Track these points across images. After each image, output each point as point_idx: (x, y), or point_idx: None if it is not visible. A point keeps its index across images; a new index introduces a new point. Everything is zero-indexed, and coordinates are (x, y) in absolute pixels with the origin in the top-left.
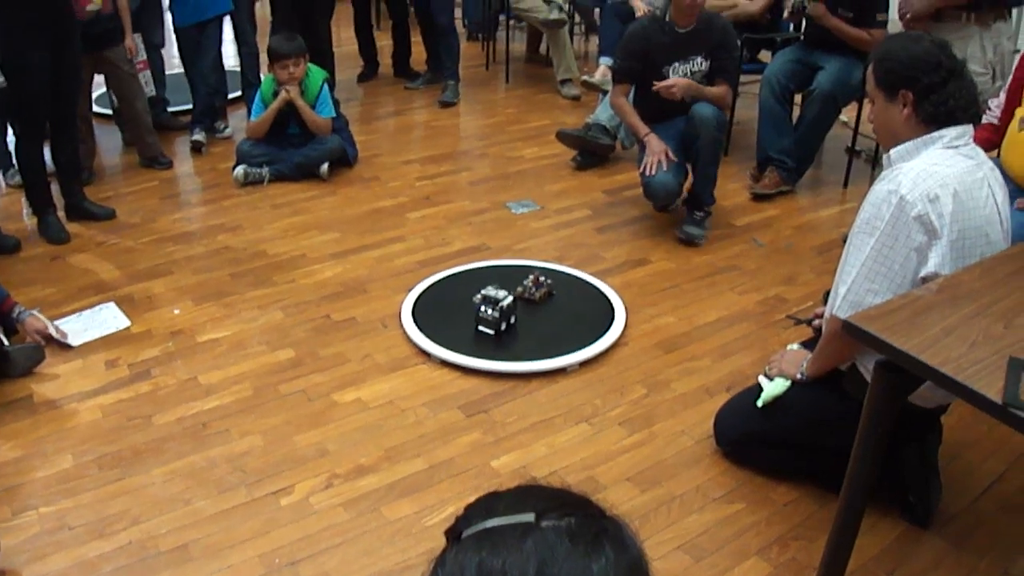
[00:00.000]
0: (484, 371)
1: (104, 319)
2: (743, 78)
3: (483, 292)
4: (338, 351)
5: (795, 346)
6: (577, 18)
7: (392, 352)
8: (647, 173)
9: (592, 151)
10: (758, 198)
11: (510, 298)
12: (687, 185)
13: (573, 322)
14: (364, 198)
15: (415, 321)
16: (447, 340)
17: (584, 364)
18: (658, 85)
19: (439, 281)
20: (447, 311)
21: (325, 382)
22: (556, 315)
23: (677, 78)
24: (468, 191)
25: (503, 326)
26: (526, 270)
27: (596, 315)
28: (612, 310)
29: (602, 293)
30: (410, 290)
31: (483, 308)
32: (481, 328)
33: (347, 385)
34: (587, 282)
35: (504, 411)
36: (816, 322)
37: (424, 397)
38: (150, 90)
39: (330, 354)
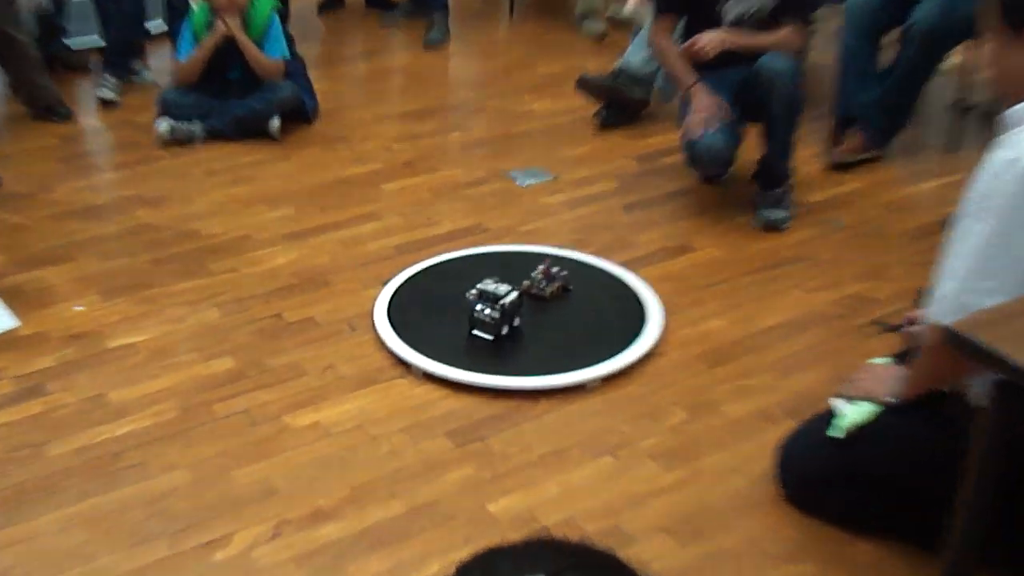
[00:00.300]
0: (480, 388)
1: None
2: (818, 12)
3: (479, 286)
4: (291, 361)
5: (882, 360)
6: None
7: (361, 363)
8: (691, 134)
9: (621, 105)
10: (837, 167)
11: (514, 294)
12: (749, 156)
13: (594, 326)
14: (326, 164)
15: (391, 323)
16: (432, 347)
17: (608, 380)
18: (683, 46)
19: (422, 272)
20: (433, 310)
21: (274, 401)
22: (572, 317)
23: (706, 33)
24: (460, 156)
25: (504, 330)
26: (534, 259)
27: (624, 317)
28: (644, 311)
29: (631, 289)
30: (385, 283)
31: (479, 307)
32: (476, 332)
33: (302, 405)
34: (612, 275)
35: (505, 439)
36: (910, 329)
37: (402, 421)
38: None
39: (281, 365)
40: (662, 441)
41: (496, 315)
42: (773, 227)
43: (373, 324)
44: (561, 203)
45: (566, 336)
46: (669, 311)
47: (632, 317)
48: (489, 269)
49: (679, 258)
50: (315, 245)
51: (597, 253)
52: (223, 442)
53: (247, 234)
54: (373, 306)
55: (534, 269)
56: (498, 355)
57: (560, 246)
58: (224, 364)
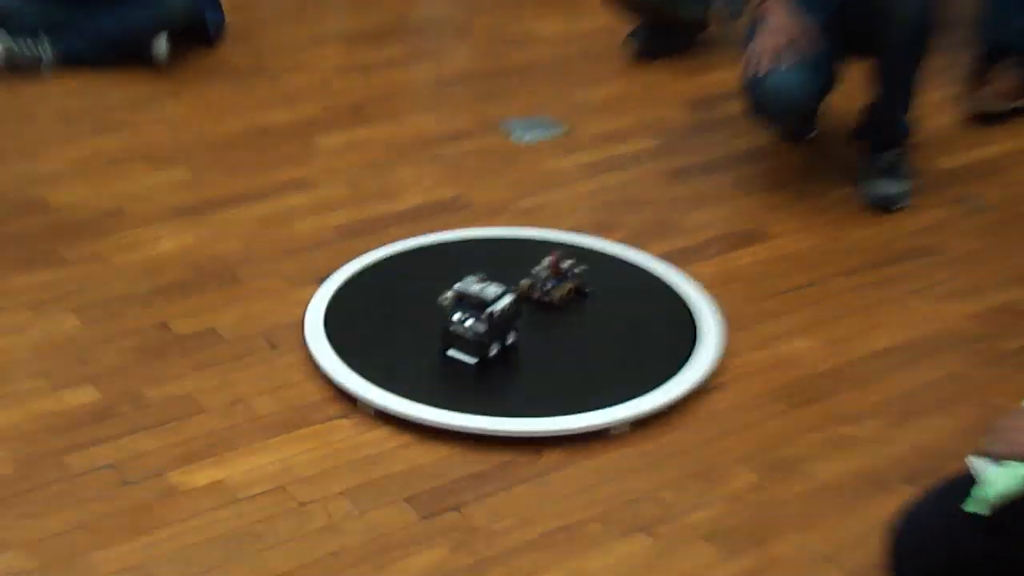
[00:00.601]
0: (457, 433)
1: None
2: None
3: (459, 287)
4: (182, 392)
5: None
6: None
7: (286, 395)
8: (755, 68)
9: (665, 26)
10: (980, 119)
11: (507, 299)
12: (850, 103)
13: (622, 345)
14: (236, 107)
15: (331, 339)
16: (390, 375)
17: (642, 424)
18: None
19: (376, 265)
20: (390, 321)
21: (155, 450)
22: (591, 332)
23: None
24: (432, 98)
25: (493, 350)
26: (537, 248)
27: (665, 334)
28: (695, 325)
29: (676, 293)
30: (322, 280)
31: (458, 317)
32: (454, 353)
33: (198, 457)
34: (649, 272)
35: (492, 509)
36: None
37: (344, 481)
38: None
39: (167, 398)
40: (720, 514)
41: (481, 329)
42: (885, 206)
43: (303, 340)
44: (577, 168)
45: (581, 360)
46: (731, 326)
47: (677, 333)
48: (472, 263)
49: (746, 249)
50: (219, 224)
51: (628, 241)
52: (79, 511)
53: (119, 206)
54: (304, 314)
55: (537, 263)
56: (484, 386)
57: (575, 230)
58: (83, 396)
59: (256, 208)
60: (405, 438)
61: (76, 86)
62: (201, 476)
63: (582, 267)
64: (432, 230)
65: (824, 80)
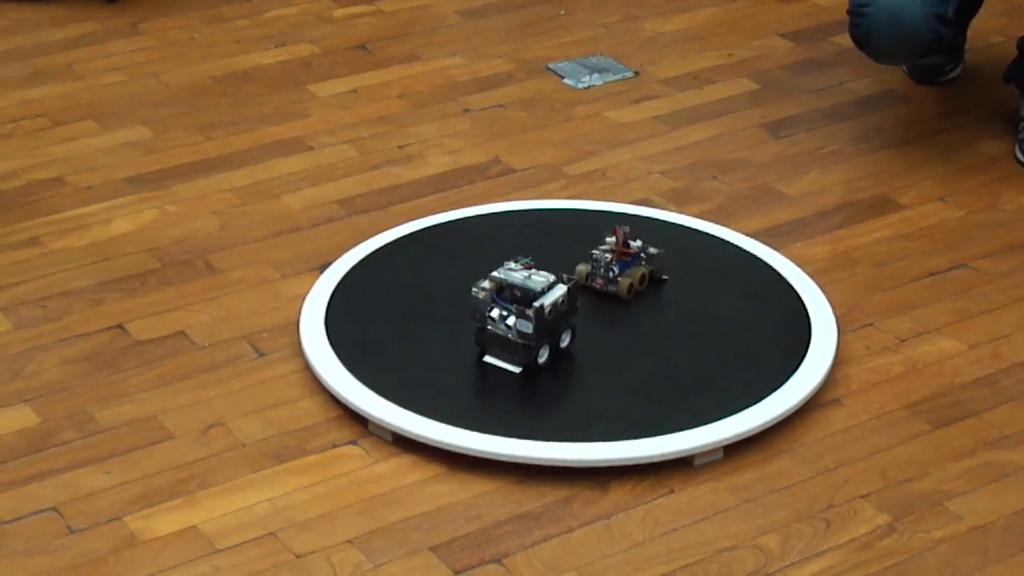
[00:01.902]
0: (498, 463)
1: None
2: None
3: (497, 274)
4: (143, 412)
5: None
6: None
7: (277, 416)
8: None
9: None
10: None
11: (560, 290)
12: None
13: (710, 349)
14: (209, 46)
15: (333, 343)
16: (410, 389)
17: (736, 450)
18: None
19: (391, 248)
20: (411, 320)
21: (110, 488)
22: (670, 332)
23: None
24: (459, 32)
25: (542, 355)
26: (598, 223)
27: (766, 333)
28: (804, 322)
29: (780, 280)
30: (322, 269)
31: (497, 313)
32: (491, 359)
33: (164, 496)
34: (743, 255)
35: (544, 561)
36: None
37: (354, 525)
38: None
39: (123, 420)
40: (840, 567)
41: (527, 328)
42: None
43: (299, 345)
44: (647, 122)
45: (657, 368)
46: (852, 322)
47: (780, 334)
48: (513, 245)
49: (870, 223)
50: (188, 198)
51: (715, 215)
52: (12, 567)
53: (58, 176)
54: (300, 312)
55: (600, 244)
56: (532, 403)
57: (645, 203)
58: (16, 420)
59: (235, 177)
60: (431, 470)
61: (2, 22)
62: (168, 521)
63: (657, 249)
64: (461, 204)
65: (957, 1)
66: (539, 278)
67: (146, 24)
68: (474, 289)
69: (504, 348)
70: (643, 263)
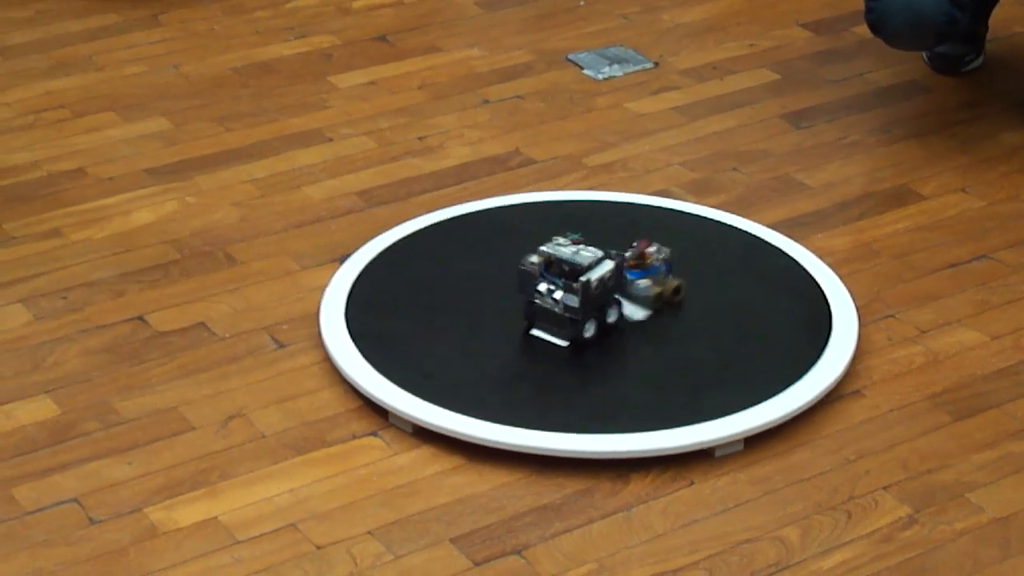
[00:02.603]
0: (519, 454)
1: None
2: None
3: (545, 248)
4: (164, 404)
5: None
6: None
7: (297, 407)
8: None
9: None
10: None
11: (608, 266)
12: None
13: (731, 341)
14: (229, 36)
15: (353, 335)
16: (430, 380)
17: (757, 441)
18: None
19: (411, 239)
20: (432, 312)
21: (131, 480)
22: (691, 323)
23: None
24: (479, 23)
25: (588, 328)
26: (617, 213)
27: (786, 325)
28: (825, 313)
29: (801, 271)
30: (342, 260)
31: (542, 287)
32: (538, 332)
33: (185, 487)
34: (763, 246)
35: (565, 551)
36: None
37: (374, 516)
38: None
39: (144, 411)
40: (860, 559)
41: (574, 302)
42: None
43: (320, 336)
44: (667, 112)
45: (678, 360)
46: (873, 313)
47: (801, 325)
48: (534, 234)
49: (891, 214)
50: (209, 190)
51: (735, 206)
52: (34, 558)
53: (80, 167)
54: (320, 303)
55: (631, 246)
56: (551, 394)
57: (666, 194)
58: (38, 411)
59: (256, 168)
60: (451, 461)
61: (25, 14)
62: (189, 512)
63: (667, 257)
64: (481, 195)
65: None
66: (587, 253)
67: (167, 15)
68: (523, 263)
69: (551, 322)
70: (663, 276)
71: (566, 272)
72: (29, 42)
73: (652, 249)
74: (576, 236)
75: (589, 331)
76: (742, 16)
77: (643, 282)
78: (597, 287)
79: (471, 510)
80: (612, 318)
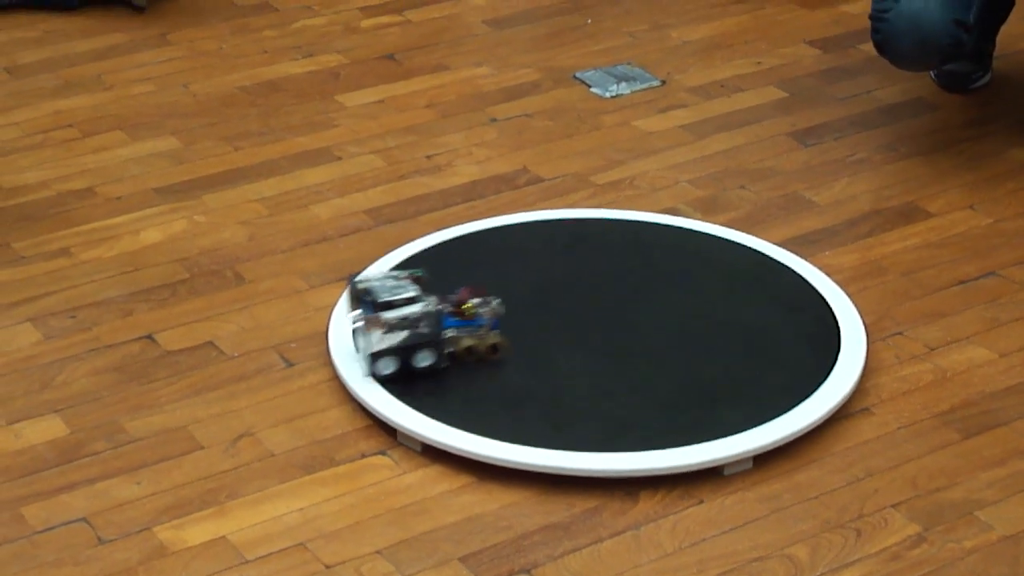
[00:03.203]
0: (528, 473)
1: None
2: None
3: (363, 278)
4: (172, 423)
5: None
6: None
7: (306, 426)
8: None
9: None
10: None
11: (413, 309)
12: None
13: (739, 359)
14: (237, 56)
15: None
16: (440, 399)
17: (765, 460)
18: None
19: (419, 258)
20: None
21: (139, 499)
22: (699, 341)
23: None
24: (486, 41)
25: (382, 366)
26: (625, 231)
27: (795, 342)
28: (833, 331)
29: (809, 289)
30: (351, 279)
31: (353, 316)
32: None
33: (194, 507)
34: (771, 264)
35: (573, 570)
36: None
37: (383, 536)
38: None
39: (153, 431)
40: (873, 574)
41: (364, 337)
42: None
43: (328, 355)
44: (675, 130)
45: (686, 378)
46: (881, 331)
47: (809, 343)
48: (541, 253)
49: (899, 231)
50: (217, 208)
51: (742, 224)
52: (38, 574)
53: (89, 186)
54: (328, 321)
55: (629, 250)
56: (560, 413)
57: (673, 211)
58: (46, 430)
59: (264, 187)
60: (460, 480)
61: (32, 32)
62: (197, 531)
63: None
64: (489, 213)
65: (980, 8)
66: (405, 292)
67: (175, 35)
68: (354, 280)
69: (356, 348)
70: (486, 327)
71: (370, 304)
72: (38, 61)
73: (475, 301)
74: (418, 273)
75: (386, 368)
76: (749, 34)
77: (449, 331)
78: (395, 326)
79: (480, 529)
80: (423, 363)
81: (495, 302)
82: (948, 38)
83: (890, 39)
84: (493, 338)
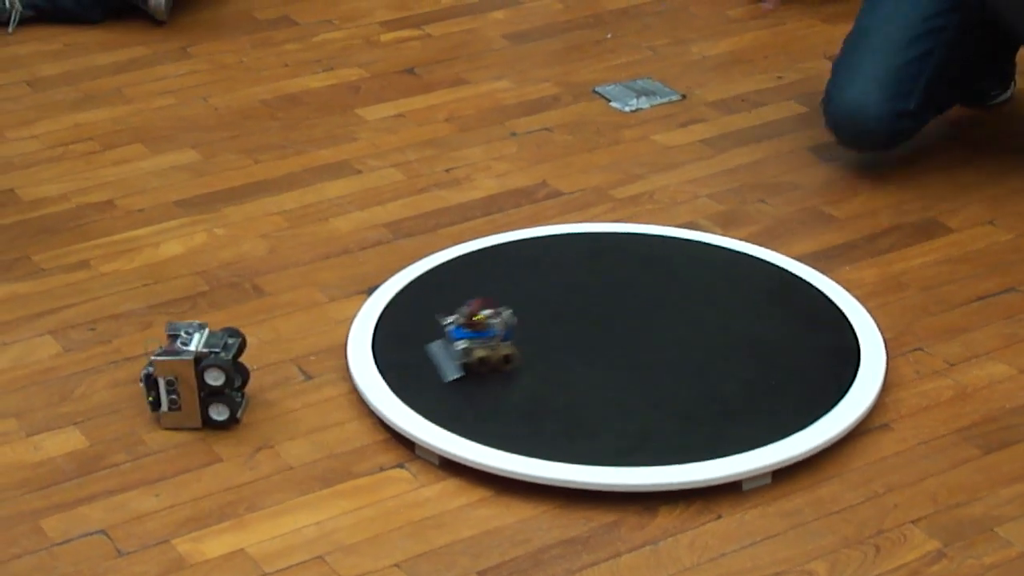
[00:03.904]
0: (546, 487)
1: None
2: None
3: (170, 328)
4: (192, 436)
5: None
6: None
7: (324, 439)
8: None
9: None
10: None
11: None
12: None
13: (758, 373)
14: (258, 69)
15: (380, 367)
16: (458, 413)
17: (785, 475)
18: None
19: (439, 271)
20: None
21: (159, 511)
22: (718, 356)
23: None
24: (506, 55)
25: (235, 409)
26: (644, 245)
27: (814, 358)
28: (853, 347)
29: (827, 306)
30: (370, 291)
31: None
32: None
33: (212, 519)
34: (790, 279)
35: None
36: None
37: (401, 549)
38: None
39: (172, 443)
40: None
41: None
42: None
43: (347, 368)
44: (695, 145)
45: (705, 393)
46: (901, 346)
47: (828, 358)
48: (560, 267)
49: (919, 247)
50: (237, 221)
51: (762, 239)
52: None
53: (109, 199)
54: (347, 334)
55: (646, 264)
56: (578, 427)
57: (692, 226)
58: (65, 442)
59: (284, 200)
60: (477, 494)
61: (53, 46)
62: (216, 544)
63: (503, 318)
64: (508, 227)
65: (925, 91)
66: (201, 340)
67: (195, 48)
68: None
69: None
70: (498, 334)
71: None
72: (58, 74)
73: (487, 312)
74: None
75: (217, 415)
76: (769, 49)
77: (461, 343)
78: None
79: (498, 543)
80: (216, 417)
81: (506, 313)
82: (888, 130)
83: (834, 127)
84: (506, 349)
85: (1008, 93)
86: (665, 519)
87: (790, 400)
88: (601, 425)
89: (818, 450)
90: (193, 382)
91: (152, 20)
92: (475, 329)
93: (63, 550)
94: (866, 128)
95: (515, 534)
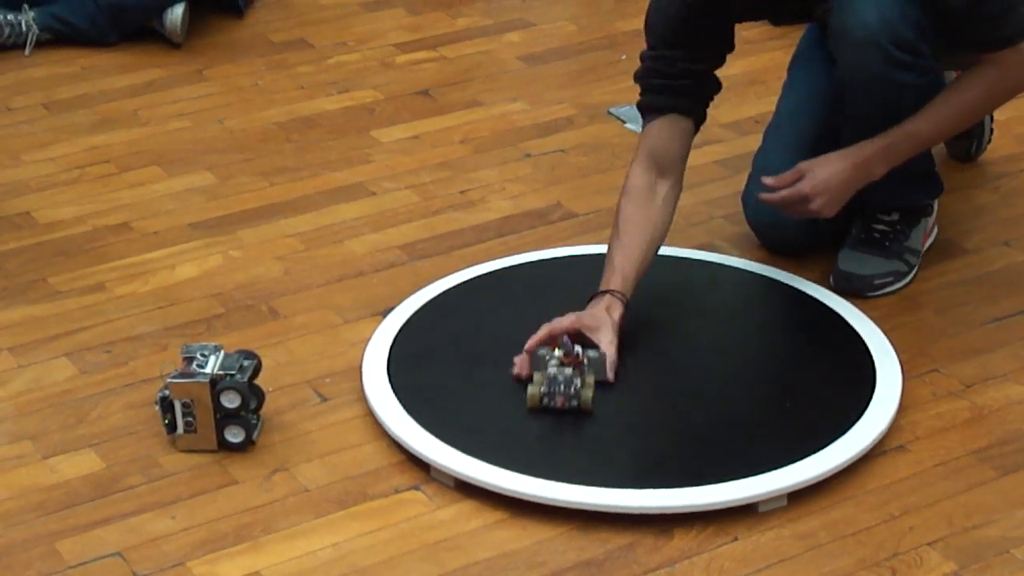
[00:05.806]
0: (562, 509)
1: None
2: None
3: (185, 350)
4: (207, 458)
5: None
6: None
7: (340, 461)
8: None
9: None
10: None
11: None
12: None
13: (773, 395)
14: (273, 92)
15: (396, 389)
16: (473, 435)
17: (800, 497)
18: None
19: (453, 293)
20: (475, 365)
21: (174, 534)
22: (733, 377)
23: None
24: (520, 77)
25: (251, 431)
26: (658, 267)
27: (830, 379)
28: (869, 366)
29: (843, 327)
30: (385, 313)
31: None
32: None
33: (227, 541)
34: (806, 299)
35: None
36: None
37: (417, 571)
38: None
39: (187, 466)
40: None
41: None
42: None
43: (362, 390)
44: (709, 166)
45: (720, 414)
46: (917, 367)
47: (844, 379)
48: (576, 287)
49: (938, 267)
50: (252, 244)
51: (776, 260)
52: None
53: (125, 221)
54: (362, 357)
55: (659, 288)
56: (594, 449)
57: (708, 247)
58: (81, 465)
59: (299, 222)
60: (493, 516)
61: (68, 69)
62: (232, 567)
63: (594, 351)
64: (523, 249)
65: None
66: (216, 362)
67: (211, 71)
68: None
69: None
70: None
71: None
72: (75, 97)
73: (578, 349)
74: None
75: (232, 436)
76: (783, 70)
77: (592, 352)
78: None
79: (514, 565)
80: (226, 402)
81: (578, 347)
82: (804, 237)
83: (758, 233)
84: (592, 366)
85: (986, 141)
86: (681, 541)
87: (806, 422)
88: (616, 447)
89: (834, 472)
90: (209, 404)
91: (168, 43)
92: (579, 365)
93: (79, 572)
94: (783, 238)
95: (531, 556)
